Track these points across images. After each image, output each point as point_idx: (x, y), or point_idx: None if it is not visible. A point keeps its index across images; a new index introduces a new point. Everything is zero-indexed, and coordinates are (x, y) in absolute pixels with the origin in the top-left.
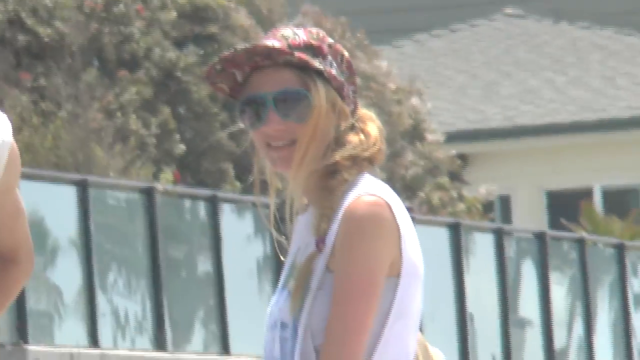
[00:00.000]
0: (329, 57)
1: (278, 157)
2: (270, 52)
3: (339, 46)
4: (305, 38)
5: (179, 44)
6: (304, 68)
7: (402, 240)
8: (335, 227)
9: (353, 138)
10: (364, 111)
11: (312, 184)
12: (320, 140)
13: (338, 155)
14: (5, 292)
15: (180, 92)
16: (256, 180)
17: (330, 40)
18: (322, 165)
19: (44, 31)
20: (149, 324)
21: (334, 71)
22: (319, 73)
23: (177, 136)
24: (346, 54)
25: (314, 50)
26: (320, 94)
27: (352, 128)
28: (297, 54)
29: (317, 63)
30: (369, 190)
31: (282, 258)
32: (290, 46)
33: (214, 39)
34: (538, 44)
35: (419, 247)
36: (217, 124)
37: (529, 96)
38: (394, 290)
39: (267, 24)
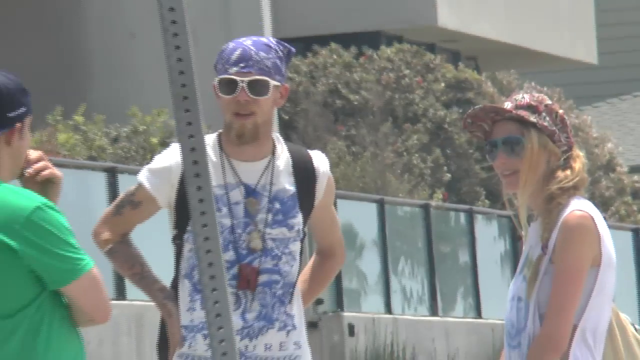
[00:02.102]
0: (544, 113)
1: (506, 182)
2: (496, 111)
3: (555, 106)
4: (528, 100)
5: (447, 105)
6: (523, 121)
7: (601, 241)
8: (555, 234)
9: (560, 174)
10: (576, 151)
11: (540, 205)
12: (534, 170)
13: (550, 188)
14: (325, 276)
15: (447, 139)
16: (505, 200)
17: (548, 102)
18: (541, 194)
19: (354, 97)
20: (426, 297)
21: (546, 123)
22: (534, 124)
23: (445, 169)
24: (561, 111)
25: (532, 108)
26: (533, 139)
27: (562, 165)
28: (516, 111)
29: (532, 118)
30: (578, 207)
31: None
32: (516, 106)
33: (470, 102)
34: None
35: (612, 245)
36: (472, 160)
37: None
38: (595, 275)
39: (506, 91)
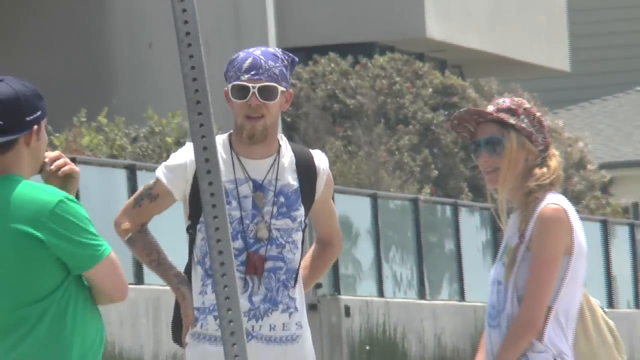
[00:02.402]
0: (522, 116)
1: (488, 179)
2: (479, 113)
3: (533, 109)
4: (508, 104)
5: (434, 109)
6: (503, 123)
7: (573, 232)
8: (531, 225)
9: (538, 171)
10: (552, 150)
11: (519, 199)
12: (513, 168)
13: (529, 185)
14: (323, 264)
15: (435, 140)
16: (488, 195)
17: (526, 105)
18: (520, 189)
19: (350, 102)
20: (415, 282)
21: (524, 125)
22: (513, 126)
23: (433, 166)
24: (538, 113)
25: (512, 111)
26: (512, 139)
27: (539, 163)
28: (497, 114)
29: (511, 120)
30: (553, 201)
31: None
32: (498, 109)
33: (456, 106)
34: None
35: (583, 234)
36: (457, 159)
37: None
38: (568, 263)
39: (488, 96)
